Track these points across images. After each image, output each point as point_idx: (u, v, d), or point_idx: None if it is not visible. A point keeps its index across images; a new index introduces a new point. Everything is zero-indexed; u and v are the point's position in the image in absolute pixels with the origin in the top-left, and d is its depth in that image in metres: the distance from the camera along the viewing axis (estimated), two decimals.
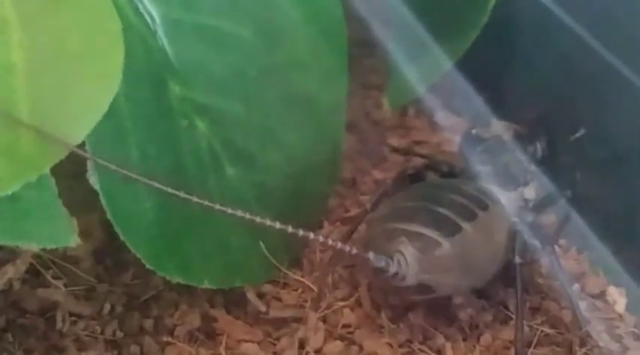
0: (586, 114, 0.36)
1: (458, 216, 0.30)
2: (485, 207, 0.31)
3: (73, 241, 0.24)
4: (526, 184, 0.34)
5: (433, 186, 0.33)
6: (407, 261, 0.28)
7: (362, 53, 0.45)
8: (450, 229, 0.29)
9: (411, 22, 0.39)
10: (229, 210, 0.25)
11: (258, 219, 0.25)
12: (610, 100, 0.35)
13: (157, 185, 0.24)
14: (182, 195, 0.24)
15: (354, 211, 0.36)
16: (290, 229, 0.26)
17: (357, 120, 0.43)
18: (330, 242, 0.27)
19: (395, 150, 0.41)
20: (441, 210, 0.30)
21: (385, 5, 0.41)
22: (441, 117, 0.42)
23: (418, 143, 0.42)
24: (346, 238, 0.33)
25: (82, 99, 0.25)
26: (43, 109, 0.24)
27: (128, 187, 0.27)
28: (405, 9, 0.40)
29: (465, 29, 0.38)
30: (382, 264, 0.28)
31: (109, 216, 0.26)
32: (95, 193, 0.27)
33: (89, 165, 0.26)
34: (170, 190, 0.24)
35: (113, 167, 0.24)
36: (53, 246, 0.24)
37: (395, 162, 0.40)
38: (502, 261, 0.31)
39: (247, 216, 0.25)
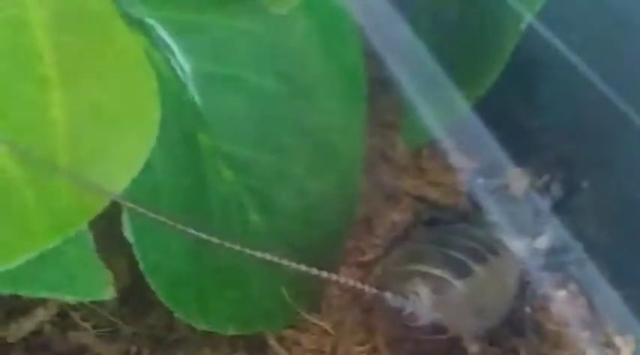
0: (602, 161, 0.37)
1: (469, 258, 0.31)
2: (495, 252, 0.32)
3: (109, 294, 0.25)
4: (537, 235, 0.35)
5: (446, 231, 0.34)
6: (422, 301, 0.30)
7: (377, 90, 0.46)
8: (463, 271, 0.31)
9: (428, 61, 0.40)
10: (259, 254, 0.26)
11: (285, 263, 0.26)
12: (625, 148, 0.36)
13: (192, 231, 0.25)
14: (215, 240, 0.25)
15: (369, 254, 0.38)
16: (315, 271, 0.27)
17: (372, 159, 0.44)
18: (350, 282, 0.28)
19: (408, 194, 0.42)
20: (453, 252, 0.31)
21: (402, 44, 0.42)
22: (456, 159, 0.43)
23: (432, 184, 0.43)
24: (363, 281, 0.35)
25: (120, 155, 0.26)
26: (82, 166, 0.25)
27: (160, 238, 0.28)
28: (423, 48, 0.40)
29: (483, 73, 0.38)
30: (399, 303, 0.29)
31: (141, 268, 0.27)
32: (122, 236, 0.28)
33: (124, 218, 0.27)
34: (206, 237, 0.25)
35: (148, 213, 0.25)
36: (90, 300, 0.25)
37: (410, 203, 0.41)
38: (512, 304, 0.32)
39: (276, 259, 0.26)
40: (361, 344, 0.33)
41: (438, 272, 0.30)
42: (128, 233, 0.27)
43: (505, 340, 0.34)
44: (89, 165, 0.25)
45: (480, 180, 0.37)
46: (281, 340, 0.33)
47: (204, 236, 0.25)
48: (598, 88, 0.35)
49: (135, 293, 0.33)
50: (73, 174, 0.25)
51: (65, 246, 0.25)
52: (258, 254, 0.26)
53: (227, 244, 0.25)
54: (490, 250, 0.32)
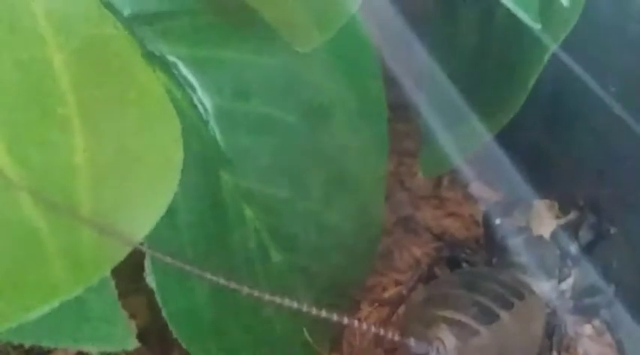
0: (629, 198, 0.36)
1: (495, 304, 0.30)
2: (521, 297, 0.31)
3: (132, 344, 0.25)
4: (564, 277, 0.34)
5: (471, 274, 0.34)
6: (446, 348, 0.29)
7: (396, 117, 0.45)
8: (488, 317, 0.30)
9: (449, 89, 0.40)
10: (277, 300, 0.26)
11: (305, 309, 0.26)
12: None
13: (210, 276, 0.25)
14: (235, 285, 0.24)
15: (391, 290, 0.37)
16: (335, 317, 0.26)
17: (391, 188, 0.43)
18: (373, 329, 0.27)
19: (428, 229, 0.41)
20: (478, 297, 0.30)
21: (422, 71, 0.41)
22: (477, 189, 0.42)
23: (452, 215, 0.43)
24: (385, 322, 0.34)
25: (143, 201, 0.25)
26: (105, 210, 0.25)
27: (183, 284, 0.27)
28: (443, 76, 0.40)
29: (506, 103, 0.38)
30: (422, 350, 0.29)
31: (164, 315, 0.27)
32: (141, 274, 0.27)
33: (147, 264, 0.26)
34: (228, 283, 0.24)
35: (170, 260, 0.25)
36: (112, 350, 0.25)
37: (431, 236, 0.41)
38: (538, 349, 0.32)
39: (295, 305, 0.26)
40: None
41: (462, 318, 0.29)
42: (150, 279, 0.26)
43: None
44: (112, 212, 0.25)
45: (505, 218, 0.36)
46: None
47: (223, 281, 0.25)
48: (618, 114, 0.35)
49: (155, 332, 0.33)
50: (96, 222, 0.25)
51: (87, 295, 0.24)
52: (277, 299, 0.26)
53: (246, 289, 0.25)
54: (516, 294, 0.31)
